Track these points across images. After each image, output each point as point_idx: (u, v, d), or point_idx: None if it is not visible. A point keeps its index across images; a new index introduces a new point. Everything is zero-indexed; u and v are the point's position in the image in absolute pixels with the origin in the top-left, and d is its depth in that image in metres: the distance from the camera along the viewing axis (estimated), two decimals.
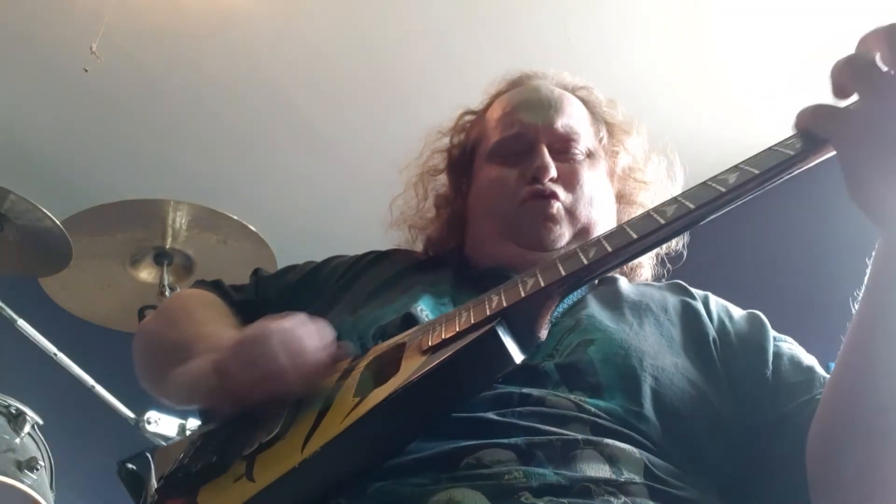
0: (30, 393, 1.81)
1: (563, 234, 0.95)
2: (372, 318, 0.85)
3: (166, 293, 1.95)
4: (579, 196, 0.97)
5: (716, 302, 0.92)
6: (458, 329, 0.68)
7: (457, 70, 2.70)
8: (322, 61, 2.70)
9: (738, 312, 0.91)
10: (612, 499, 0.61)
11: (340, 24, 2.57)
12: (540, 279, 0.69)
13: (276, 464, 0.65)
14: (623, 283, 0.96)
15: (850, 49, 0.63)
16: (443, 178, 1.10)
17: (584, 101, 1.06)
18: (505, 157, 1.00)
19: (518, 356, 0.63)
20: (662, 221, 0.66)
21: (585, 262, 0.68)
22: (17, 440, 1.68)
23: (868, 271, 0.68)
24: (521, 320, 0.66)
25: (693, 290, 0.94)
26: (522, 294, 0.68)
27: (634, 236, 0.67)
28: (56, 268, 1.84)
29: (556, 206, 0.95)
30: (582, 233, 0.96)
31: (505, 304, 0.67)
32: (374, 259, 1.05)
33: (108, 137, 2.99)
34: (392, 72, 2.73)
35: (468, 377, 0.64)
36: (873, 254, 0.67)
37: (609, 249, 0.68)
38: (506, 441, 0.65)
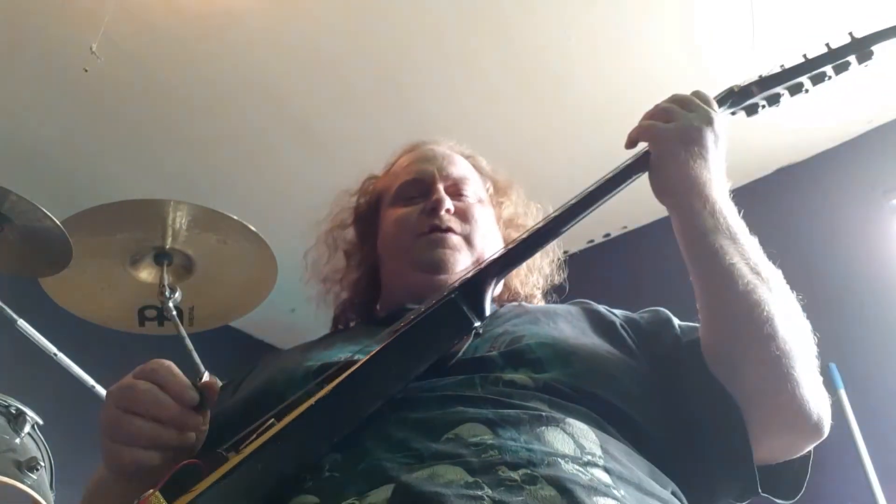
0: (30, 393, 1.81)
1: (462, 259, 1.07)
2: (306, 363, 0.90)
3: (166, 293, 1.94)
4: (474, 227, 1.10)
5: (615, 309, 1.04)
6: (420, 312, 0.81)
7: (456, 71, 2.70)
8: (322, 61, 2.71)
9: (636, 312, 1.03)
10: (580, 474, 0.66)
11: (340, 24, 2.58)
12: (480, 265, 0.88)
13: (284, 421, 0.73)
14: (526, 303, 1.11)
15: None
16: (351, 232, 1.23)
17: (472, 162, 1.23)
18: (406, 199, 1.14)
19: (475, 320, 0.80)
20: (559, 213, 0.89)
21: (516, 243, 0.89)
22: (17, 440, 1.67)
23: (682, 245, 0.89)
24: (471, 294, 0.82)
25: (590, 302, 1.07)
26: (469, 275, 0.85)
27: (543, 224, 0.90)
28: (56, 268, 1.83)
29: (454, 238, 1.08)
30: (477, 262, 1.06)
31: (456, 285, 0.83)
32: (276, 353, 1.10)
33: (108, 137, 2.99)
34: (392, 72, 2.73)
35: (438, 336, 0.80)
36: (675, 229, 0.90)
37: (530, 234, 0.89)
38: (475, 412, 0.73)
